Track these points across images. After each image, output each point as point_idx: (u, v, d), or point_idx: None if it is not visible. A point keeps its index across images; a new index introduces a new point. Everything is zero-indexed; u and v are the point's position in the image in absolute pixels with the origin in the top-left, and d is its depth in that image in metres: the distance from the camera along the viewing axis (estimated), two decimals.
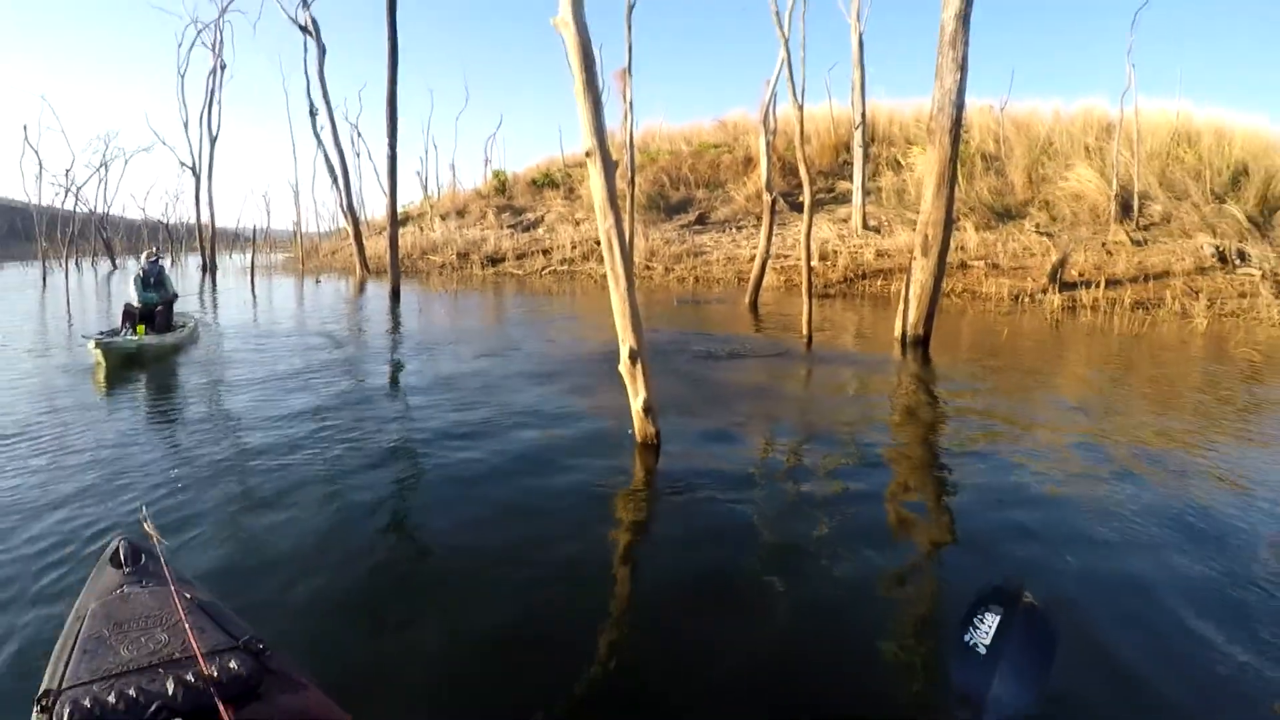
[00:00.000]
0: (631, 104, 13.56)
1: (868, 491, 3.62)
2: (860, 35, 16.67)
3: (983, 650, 1.31)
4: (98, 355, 6.57)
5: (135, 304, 7.62)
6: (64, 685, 1.23)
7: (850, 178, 17.85)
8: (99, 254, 33.27)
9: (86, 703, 1.16)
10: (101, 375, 6.29)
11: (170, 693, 1.19)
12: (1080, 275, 13.11)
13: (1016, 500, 3.47)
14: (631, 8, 12.79)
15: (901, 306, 8.09)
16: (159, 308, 7.72)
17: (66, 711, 1.15)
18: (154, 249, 8.73)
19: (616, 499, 3.51)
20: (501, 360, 7.30)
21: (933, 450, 4.51)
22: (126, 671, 1.27)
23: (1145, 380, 6.68)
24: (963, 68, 7.22)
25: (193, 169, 25.70)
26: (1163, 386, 6.42)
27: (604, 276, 4.05)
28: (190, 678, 1.23)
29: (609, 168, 3.91)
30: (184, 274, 23.72)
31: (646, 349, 4.06)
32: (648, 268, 17.88)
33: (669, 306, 12.66)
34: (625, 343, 3.99)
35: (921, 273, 7.76)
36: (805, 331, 8.02)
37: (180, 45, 25.97)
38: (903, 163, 18.75)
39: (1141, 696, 1.97)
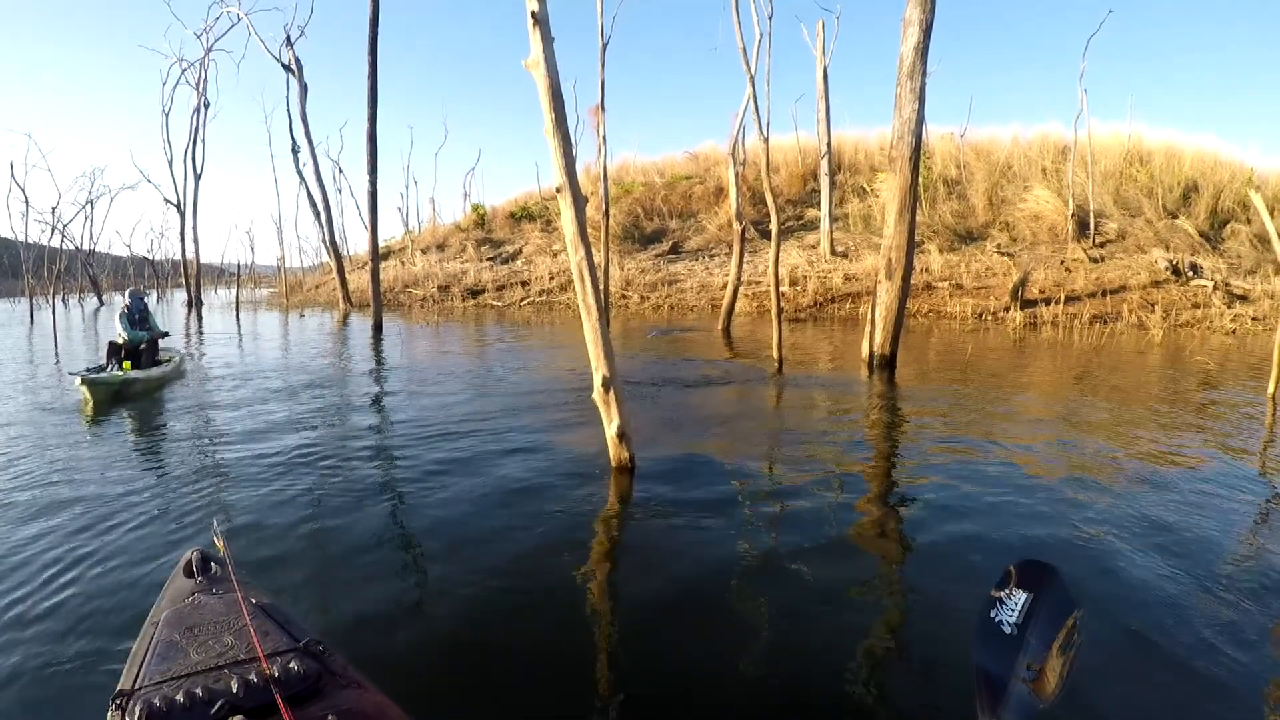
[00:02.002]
0: (605, 138, 13.88)
1: (836, 507, 3.73)
2: (825, 68, 17.34)
3: (1008, 629, 1.24)
4: (84, 392, 6.60)
5: (120, 340, 7.70)
6: (137, 686, 1.29)
7: (818, 205, 18.37)
8: (85, 290, 32.97)
9: (157, 702, 1.22)
10: (89, 411, 6.31)
11: (234, 691, 1.26)
12: (1041, 292, 13.61)
13: (973, 511, 3.63)
14: (605, 46, 13.21)
15: (868, 328, 8.30)
16: (143, 345, 7.80)
17: (139, 710, 1.20)
18: (139, 285, 8.79)
19: (593, 522, 3.57)
20: (481, 389, 7.41)
21: (896, 466, 4.68)
22: (195, 672, 1.33)
23: (1104, 391, 6.94)
24: (921, 98, 7.49)
25: (177, 205, 25.64)
26: (1120, 396, 6.68)
27: None
28: (253, 677, 1.29)
29: (579, 203, 4.03)
30: (170, 310, 23.30)
31: (619, 377, 4.18)
32: (624, 296, 18.15)
33: (644, 335, 12.78)
34: (598, 371, 4.10)
35: (886, 295, 7.98)
36: (776, 355, 8.17)
37: (165, 83, 26.20)
38: (868, 189, 19.34)
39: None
